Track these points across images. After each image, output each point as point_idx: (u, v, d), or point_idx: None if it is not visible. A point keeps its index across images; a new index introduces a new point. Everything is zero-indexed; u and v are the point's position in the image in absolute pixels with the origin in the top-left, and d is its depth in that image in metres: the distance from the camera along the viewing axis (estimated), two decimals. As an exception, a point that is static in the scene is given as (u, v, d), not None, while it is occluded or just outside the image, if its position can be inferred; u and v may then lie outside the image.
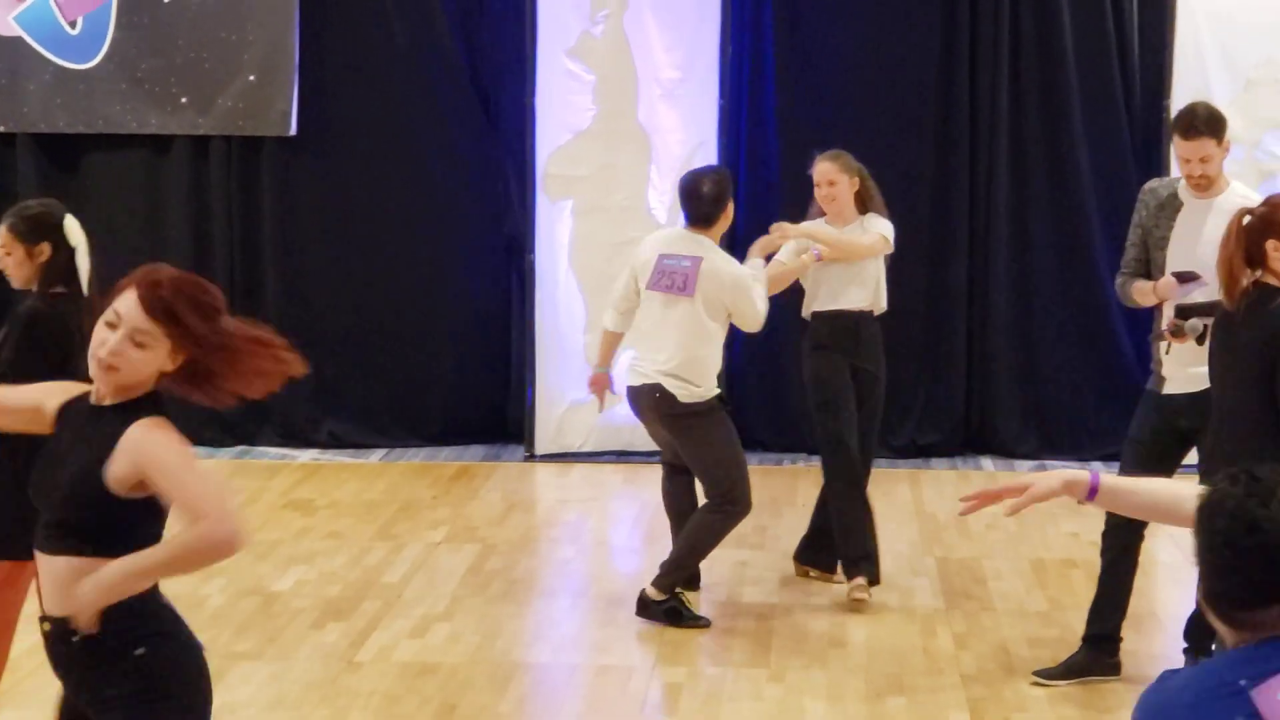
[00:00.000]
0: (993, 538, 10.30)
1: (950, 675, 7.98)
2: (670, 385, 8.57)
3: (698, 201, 8.75)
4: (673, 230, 9.39)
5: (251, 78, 12.23)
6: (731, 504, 8.64)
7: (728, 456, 8.69)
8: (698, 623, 8.65)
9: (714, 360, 8.76)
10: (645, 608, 8.68)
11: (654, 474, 11.70)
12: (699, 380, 8.61)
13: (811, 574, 9.38)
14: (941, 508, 10.99)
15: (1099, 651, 7.84)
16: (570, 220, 12.16)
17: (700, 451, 8.70)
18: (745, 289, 8.63)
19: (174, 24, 12.21)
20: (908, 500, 11.12)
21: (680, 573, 8.76)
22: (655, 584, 8.67)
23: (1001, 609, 8.96)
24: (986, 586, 9.33)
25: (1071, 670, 7.83)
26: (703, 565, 9.14)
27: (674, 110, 12.11)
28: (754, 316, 8.69)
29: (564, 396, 12.16)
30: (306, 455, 12.38)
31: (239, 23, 12.19)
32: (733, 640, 8.47)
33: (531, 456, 12.17)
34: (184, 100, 12.28)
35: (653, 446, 12.01)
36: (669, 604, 8.65)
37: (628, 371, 8.88)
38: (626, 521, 10.91)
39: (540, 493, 11.57)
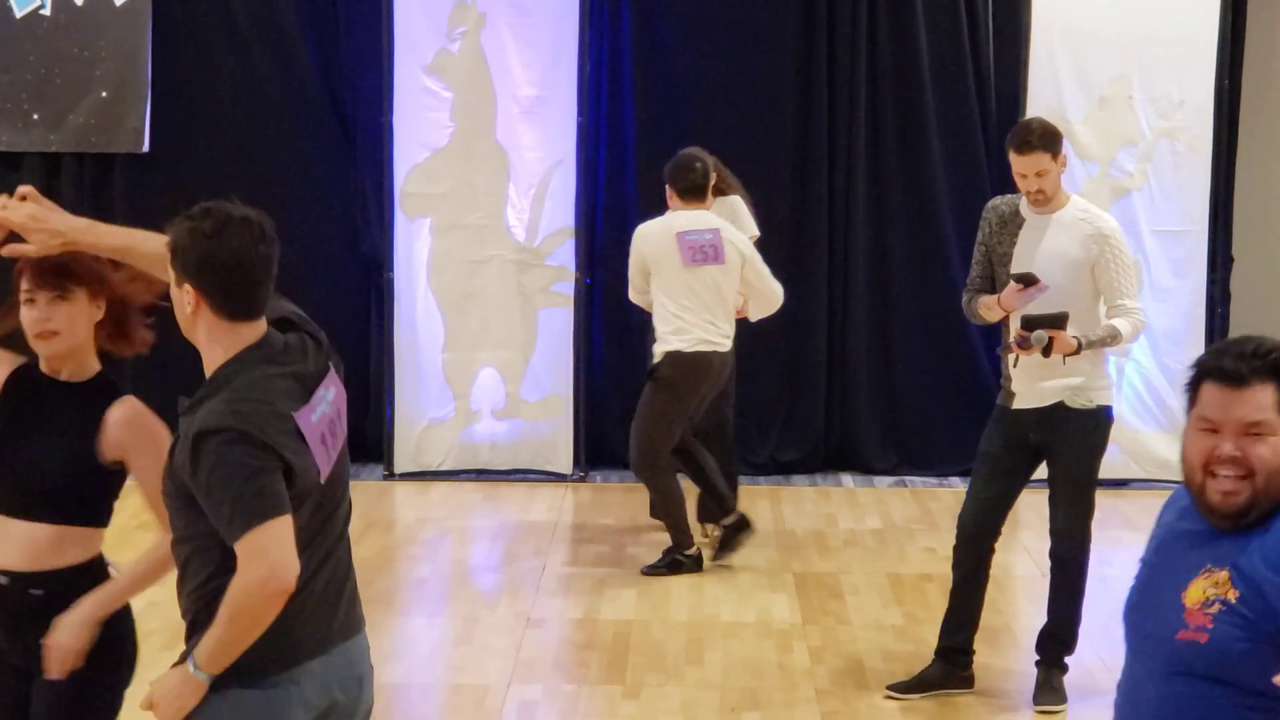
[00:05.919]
0: (850, 553, 10.35)
1: (805, 689, 8.00)
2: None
3: (694, 175, 9.72)
4: (669, 216, 9.81)
5: (104, 94, 12.09)
6: None
7: None
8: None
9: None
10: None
11: (512, 492, 11.74)
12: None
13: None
14: (800, 524, 11.02)
15: (951, 665, 7.88)
16: (429, 238, 12.09)
17: None
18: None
19: (25, 40, 12.05)
20: (767, 517, 11.13)
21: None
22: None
23: (858, 623, 8.99)
24: (844, 601, 9.37)
25: (924, 683, 7.87)
26: (561, 580, 9.51)
27: (532, 128, 12.05)
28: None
29: (423, 415, 12.09)
30: (162, 476, 12.21)
31: (91, 39, 12.05)
32: (589, 657, 8.45)
33: (390, 475, 12.09)
34: (35, 117, 12.13)
35: (511, 465, 12.07)
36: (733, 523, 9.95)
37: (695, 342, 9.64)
38: (485, 540, 10.85)
39: (398, 512, 11.49)
